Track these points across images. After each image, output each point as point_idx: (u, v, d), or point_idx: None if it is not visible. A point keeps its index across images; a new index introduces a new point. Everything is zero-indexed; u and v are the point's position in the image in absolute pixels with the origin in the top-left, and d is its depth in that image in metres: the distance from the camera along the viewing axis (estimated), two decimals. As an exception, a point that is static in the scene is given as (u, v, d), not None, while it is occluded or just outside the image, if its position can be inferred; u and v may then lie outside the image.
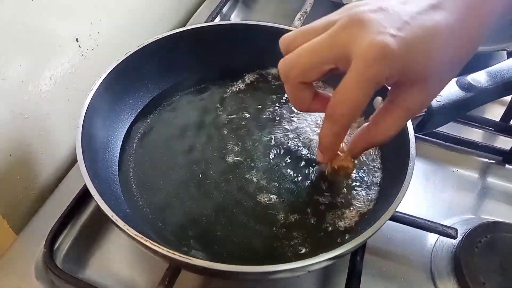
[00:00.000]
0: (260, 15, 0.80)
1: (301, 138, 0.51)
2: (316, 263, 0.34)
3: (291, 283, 0.45)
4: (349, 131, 0.36)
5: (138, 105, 0.53)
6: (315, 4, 0.73)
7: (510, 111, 0.61)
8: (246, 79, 0.57)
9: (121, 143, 0.49)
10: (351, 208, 0.45)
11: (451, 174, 0.57)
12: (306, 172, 0.47)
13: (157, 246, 0.34)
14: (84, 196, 0.49)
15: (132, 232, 0.35)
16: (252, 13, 0.81)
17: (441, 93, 0.46)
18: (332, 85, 0.56)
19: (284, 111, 0.54)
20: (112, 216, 0.36)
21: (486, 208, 0.54)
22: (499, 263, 0.46)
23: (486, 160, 0.59)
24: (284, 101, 0.55)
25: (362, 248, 0.45)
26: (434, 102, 0.46)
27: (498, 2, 0.32)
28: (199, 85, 0.56)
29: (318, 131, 0.51)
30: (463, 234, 0.48)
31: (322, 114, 0.50)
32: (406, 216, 0.47)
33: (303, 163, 0.48)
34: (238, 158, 0.49)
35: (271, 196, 0.45)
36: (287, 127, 0.52)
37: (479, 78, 0.47)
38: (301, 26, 0.67)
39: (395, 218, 0.46)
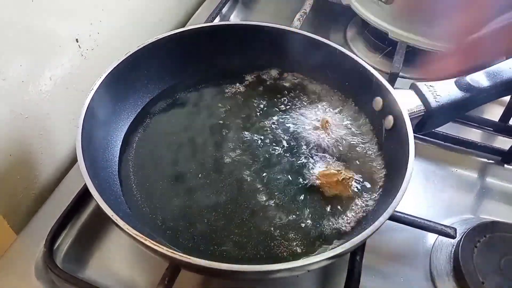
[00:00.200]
0: (260, 15, 0.81)
1: (300, 138, 0.51)
2: (316, 262, 0.35)
3: (290, 283, 0.45)
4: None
5: (138, 105, 0.53)
6: (315, 4, 0.73)
7: (509, 111, 0.61)
8: (246, 79, 0.58)
9: (121, 143, 0.50)
10: (351, 208, 0.45)
11: (450, 174, 0.57)
12: (306, 172, 0.48)
13: (157, 245, 0.34)
14: (84, 196, 0.49)
15: (132, 231, 0.35)
16: (252, 14, 0.81)
17: (440, 93, 0.47)
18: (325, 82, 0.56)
19: (283, 112, 0.54)
20: (112, 215, 0.36)
21: (485, 208, 0.54)
22: (498, 263, 0.46)
23: (485, 160, 0.59)
24: (283, 101, 0.55)
25: (361, 247, 0.45)
26: (433, 102, 0.46)
27: None
28: (198, 86, 0.57)
29: (316, 132, 0.51)
30: (462, 234, 0.48)
31: (321, 116, 0.51)
32: (406, 215, 0.47)
33: (303, 163, 0.48)
34: (238, 158, 0.49)
35: (271, 195, 0.46)
36: (286, 127, 0.52)
37: (478, 78, 0.47)
38: (301, 26, 0.67)
39: (395, 218, 0.46)
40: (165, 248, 0.34)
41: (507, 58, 0.45)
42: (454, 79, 0.48)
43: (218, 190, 0.46)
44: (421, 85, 0.48)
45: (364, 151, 0.50)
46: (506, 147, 0.58)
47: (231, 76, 0.57)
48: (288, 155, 0.49)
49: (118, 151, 0.49)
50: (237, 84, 0.57)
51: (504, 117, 0.61)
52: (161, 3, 0.72)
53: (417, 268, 0.48)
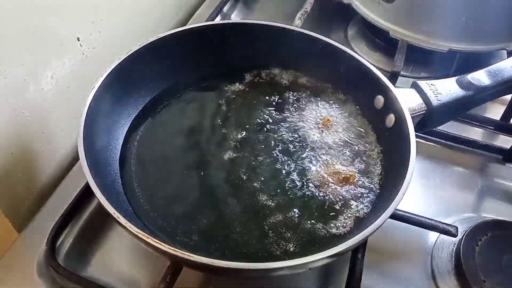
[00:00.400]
0: (261, 14, 0.81)
1: (301, 138, 0.51)
2: (317, 260, 0.35)
3: (292, 282, 0.45)
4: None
5: (139, 104, 0.53)
6: (315, 3, 0.73)
7: (510, 110, 0.61)
8: (246, 78, 0.58)
9: (122, 142, 0.50)
10: (353, 206, 0.45)
11: (452, 172, 0.57)
12: (307, 170, 0.48)
13: (159, 243, 0.34)
14: (86, 194, 0.49)
15: (134, 229, 0.35)
16: (253, 13, 0.81)
17: (441, 91, 0.47)
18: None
19: (283, 111, 0.54)
20: (114, 213, 0.36)
21: (487, 207, 0.54)
22: (500, 261, 0.46)
23: (486, 158, 0.59)
24: (284, 100, 0.55)
25: (363, 246, 0.45)
26: (435, 101, 0.46)
27: None
28: (199, 84, 0.57)
29: (317, 130, 0.51)
30: (464, 232, 0.48)
31: (322, 115, 0.51)
32: (407, 214, 0.47)
33: (303, 163, 0.48)
34: (239, 157, 0.49)
35: (271, 194, 0.46)
36: (287, 125, 0.52)
37: (479, 77, 0.47)
38: (302, 25, 0.67)
39: (396, 216, 0.46)
40: (167, 245, 0.34)
41: None
42: (456, 77, 0.48)
43: (219, 188, 0.46)
44: (423, 84, 0.48)
45: (365, 149, 0.50)
46: (507, 146, 0.58)
47: (232, 75, 0.57)
48: (289, 153, 0.49)
49: (120, 150, 0.49)
50: (238, 83, 0.57)
51: (506, 116, 0.61)
52: (162, 2, 0.72)
53: (418, 267, 0.48)
